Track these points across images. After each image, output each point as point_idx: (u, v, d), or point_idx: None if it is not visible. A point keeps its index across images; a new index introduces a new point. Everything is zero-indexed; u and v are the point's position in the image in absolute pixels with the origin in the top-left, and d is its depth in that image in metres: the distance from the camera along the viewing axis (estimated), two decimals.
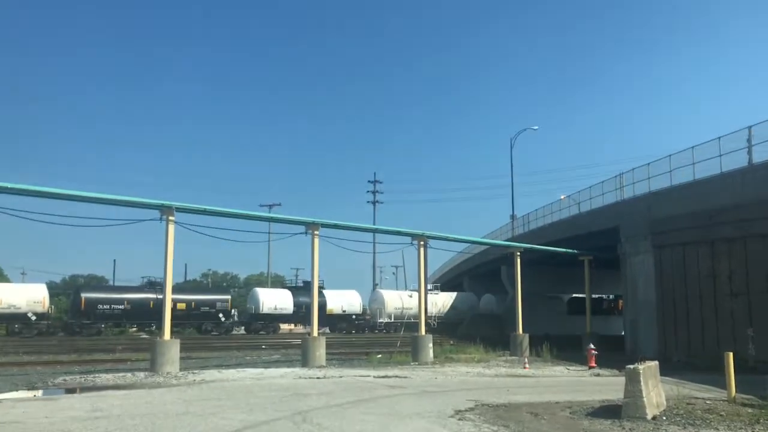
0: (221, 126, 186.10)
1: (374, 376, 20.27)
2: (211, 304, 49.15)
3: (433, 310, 54.50)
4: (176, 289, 52.84)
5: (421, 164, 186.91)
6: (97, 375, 20.15)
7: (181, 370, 21.30)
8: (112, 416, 11.58)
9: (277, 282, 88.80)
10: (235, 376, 19.94)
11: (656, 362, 14.38)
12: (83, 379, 19.21)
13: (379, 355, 29.64)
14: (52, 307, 46.30)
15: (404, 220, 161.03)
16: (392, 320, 54.16)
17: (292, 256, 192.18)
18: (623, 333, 34.58)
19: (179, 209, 22.08)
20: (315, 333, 25.60)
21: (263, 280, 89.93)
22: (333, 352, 30.25)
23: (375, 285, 68.48)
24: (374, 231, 34.07)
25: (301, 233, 25.58)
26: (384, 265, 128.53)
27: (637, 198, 31.80)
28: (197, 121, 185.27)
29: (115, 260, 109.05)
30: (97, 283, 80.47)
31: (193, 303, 48.20)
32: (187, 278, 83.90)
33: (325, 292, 55.04)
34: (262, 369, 22.89)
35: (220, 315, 49.01)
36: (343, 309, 54.35)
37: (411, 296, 54.87)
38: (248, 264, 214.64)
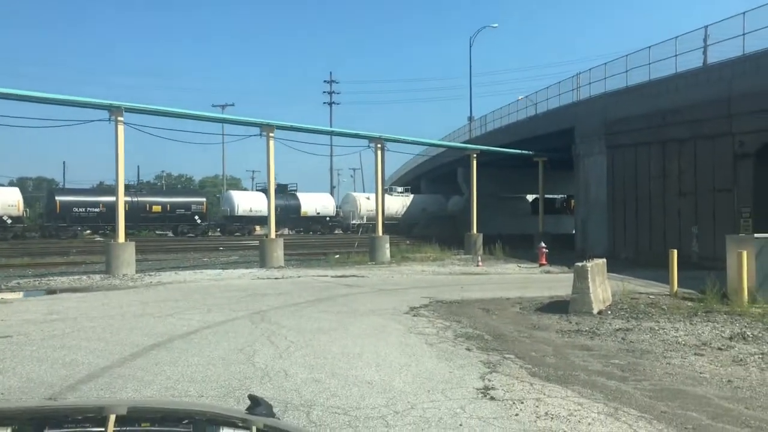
0: (168, 19, 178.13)
1: (332, 276, 20.65)
2: (187, 206, 48.86)
3: (397, 210, 55.34)
4: (151, 191, 53.07)
5: (379, 65, 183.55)
6: (51, 278, 20.03)
7: (137, 272, 21.30)
8: (68, 318, 11.60)
9: (232, 185, 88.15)
10: (193, 278, 20.06)
11: (604, 260, 14.90)
12: (38, 282, 19.09)
13: (337, 256, 30.10)
14: (27, 210, 45.49)
15: (362, 123, 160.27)
16: (365, 221, 54.81)
17: (248, 158, 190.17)
18: (574, 232, 35.60)
19: (129, 110, 21.45)
20: (272, 234, 25.73)
21: (218, 183, 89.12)
22: (292, 253, 30.61)
23: (333, 188, 68.59)
24: (331, 134, 33.73)
25: (255, 135, 25.24)
26: (342, 168, 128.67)
27: (592, 99, 31.93)
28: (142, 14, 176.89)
29: (64, 162, 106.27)
30: (71, 186, 78.79)
31: (168, 205, 47.75)
32: (140, 180, 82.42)
33: (299, 195, 55.32)
34: (220, 270, 23.05)
35: (196, 217, 48.94)
36: (317, 211, 54.77)
37: (389, 197, 56.15)
38: (203, 166, 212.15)
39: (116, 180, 21.84)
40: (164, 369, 7.57)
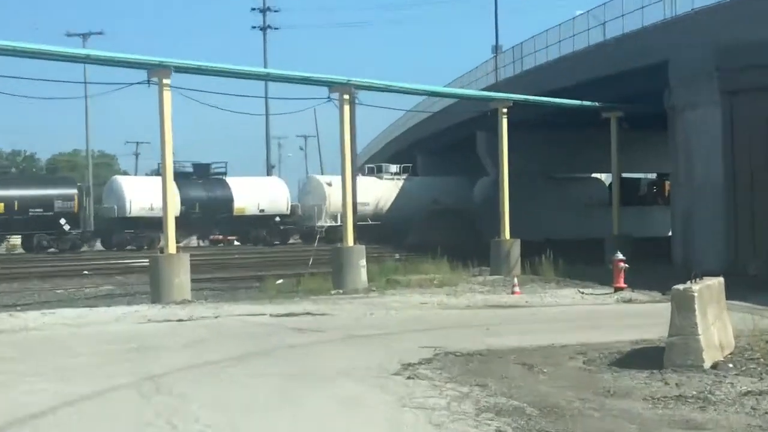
0: None
1: (272, 315, 20.49)
2: (46, 203, 47.89)
3: (384, 203, 55.59)
4: None
5: None
6: None
7: None
8: None
9: (103, 165, 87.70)
10: (40, 322, 19.76)
11: (721, 279, 14.83)
12: None
13: (281, 281, 29.93)
14: None
15: (318, 62, 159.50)
16: (339, 223, 54.51)
17: (126, 123, 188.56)
18: (670, 234, 35.72)
19: None
20: (172, 247, 25.52)
21: (80, 162, 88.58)
22: (206, 279, 30.42)
23: (270, 167, 68.45)
24: (266, 78, 33.62)
25: (141, 83, 25.00)
26: (286, 136, 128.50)
27: (698, 13, 31.87)
28: None
29: None
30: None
31: (16, 203, 47.25)
32: None
33: (230, 181, 55.79)
34: (86, 309, 22.76)
35: (62, 221, 48.06)
36: (261, 208, 54.65)
37: (378, 181, 56.84)
38: (54, 136, 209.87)
39: None
40: None
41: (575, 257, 33.11)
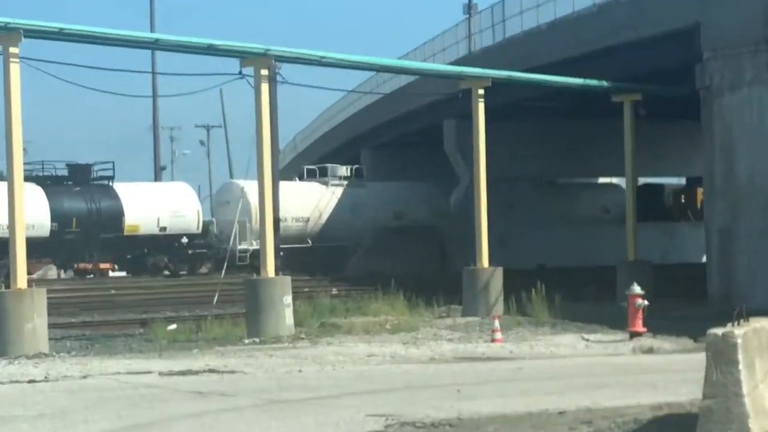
0: None
1: (161, 373, 20.32)
2: None
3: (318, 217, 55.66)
4: None
5: None
6: None
7: None
8: None
9: None
10: None
11: None
12: None
13: (173, 326, 29.71)
14: None
15: (227, 29, 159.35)
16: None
17: None
18: (705, 259, 35.91)
19: None
20: (22, 281, 25.27)
21: None
22: (70, 325, 30.17)
23: (160, 168, 68.02)
24: (153, 47, 33.26)
25: None
26: (180, 125, 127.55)
27: None
28: None
29: None
30: None
31: None
32: None
33: (119, 188, 55.46)
34: None
35: None
36: (163, 225, 54.22)
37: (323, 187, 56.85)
38: None
39: None
40: None
41: (578, 291, 33.27)
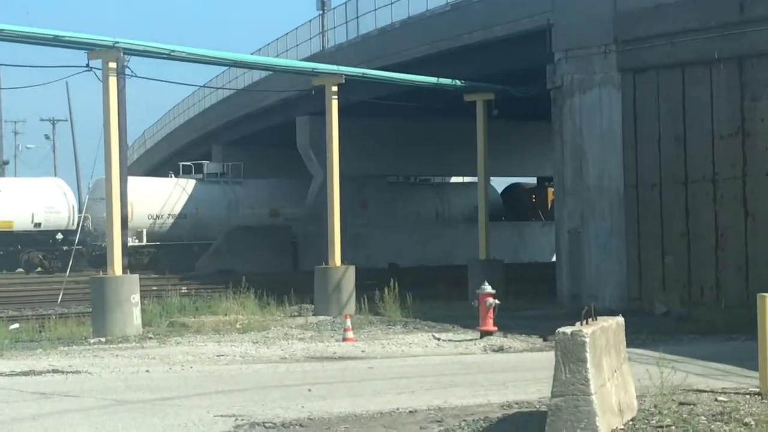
0: None
1: (2, 374, 19.94)
2: None
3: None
4: None
5: None
6: None
7: None
8: None
9: None
10: None
11: (620, 319, 14.99)
12: None
13: (15, 326, 29.22)
14: None
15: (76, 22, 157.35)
16: (148, 241, 54.03)
17: None
18: (555, 258, 36.32)
19: None
20: None
21: None
22: None
23: (3, 163, 67.02)
24: None
25: None
26: (25, 119, 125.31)
27: None
28: None
29: None
30: None
31: None
32: None
33: None
34: None
35: None
36: (37, 221, 53.64)
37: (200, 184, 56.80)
38: None
39: None
40: None
41: (431, 290, 33.41)
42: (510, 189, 59.47)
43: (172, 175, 58.41)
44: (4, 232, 52.68)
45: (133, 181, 56.12)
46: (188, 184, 57.23)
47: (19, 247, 53.75)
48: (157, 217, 54.90)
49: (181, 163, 59.78)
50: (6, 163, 66.79)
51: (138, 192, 53.44)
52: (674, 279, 29.41)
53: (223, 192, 57.35)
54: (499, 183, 61.21)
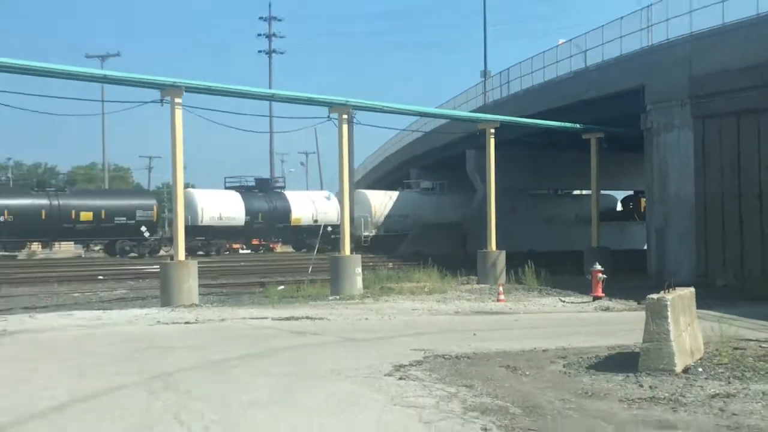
0: None
1: (273, 318, 20.44)
2: (129, 212, 49.81)
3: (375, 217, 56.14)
4: (78, 192, 54.33)
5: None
6: None
7: None
8: None
9: (118, 178, 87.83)
10: (57, 323, 19.77)
11: (692, 289, 14.81)
12: None
13: (282, 287, 29.87)
14: None
15: (318, 84, 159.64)
16: (382, 233, 55.21)
17: (139, 138, 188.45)
18: (646, 247, 35.69)
19: None
20: (181, 255, 25.50)
21: (96, 175, 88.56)
22: (212, 285, 30.39)
23: (275, 180, 68.29)
24: (270, 99, 33.44)
25: (154, 102, 24.98)
26: (288, 153, 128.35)
27: (672, 44, 31.93)
28: None
29: None
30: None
31: (103, 212, 48.96)
32: None
33: (288, 194, 57.38)
34: (99, 312, 22.73)
35: (143, 229, 49.53)
36: (316, 219, 55.13)
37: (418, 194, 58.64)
38: (72, 150, 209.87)
39: None
40: None
41: (557, 267, 33.10)
42: (611, 199, 58.84)
43: (400, 189, 59.41)
44: (295, 226, 54.57)
45: (373, 193, 57.43)
46: (407, 194, 58.29)
47: (304, 236, 55.31)
48: (388, 216, 55.80)
49: (404, 181, 60.68)
50: (280, 179, 68.00)
51: (375, 200, 54.96)
52: (730, 263, 28.77)
53: (429, 200, 57.82)
54: (619, 194, 61.43)
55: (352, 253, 29.19)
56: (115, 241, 50.05)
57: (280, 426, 9.08)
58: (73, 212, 47.35)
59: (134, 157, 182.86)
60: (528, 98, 42.66)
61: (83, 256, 54.13)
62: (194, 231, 50.83)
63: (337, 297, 26.86)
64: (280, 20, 77.15)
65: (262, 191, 56.93)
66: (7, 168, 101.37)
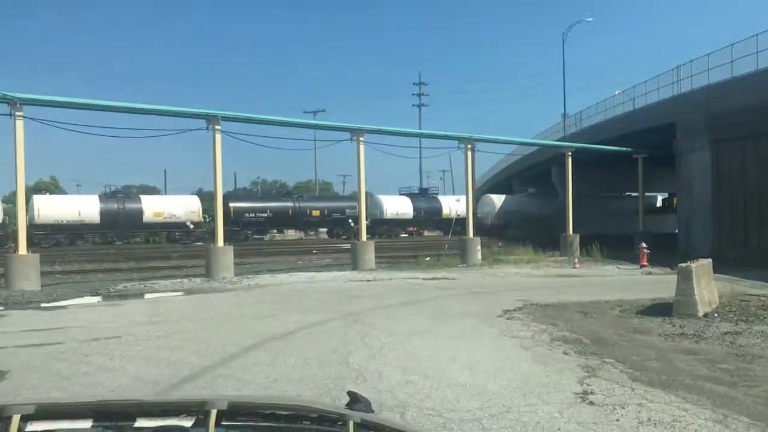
0: (259, 29, 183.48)
1: (423, 279, 20.67)
2: (341, 210, 52.25)
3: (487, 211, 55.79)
4: (310, 198, 57.94)
5: (468, 64, 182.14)
6: (155, 281, 20.96)
7: (235, 275, 22.00)
8: (171, 320, 12.17)
9: (325, 189, 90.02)
10: (288, 280, 20.58)
11: (710, 260, 14.24)
12: (143, 285, 19.98)
13: (428, 258, 30.08)
14: (206, 216, 49.45)
15: (451, 124, 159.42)
16: (502, 222, 55.83)
17: (338, 162, 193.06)
18: (677, 231, 34.26)
19: (225, 118, 22.17)
20: (363, 237, 26.01)
21: (311, 187, 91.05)
22: (382, 256, 30.88)
23: (432, 189, 68.77)
24: (420, 136, 33.85)
25: (346, 140, 25.56)
26: (430, 171, 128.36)
27: (694, 92, 30.63)
28: (237, 29, 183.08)
29: (165, 170, 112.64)
30: (243, 193, 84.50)
31: (326, 210, 51.77)
32: (237, 186, 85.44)
33: (440, 198, 58.35)
34: (314, 273, 23.52)
35: (350, 221, 52.30)
36: (458, 213, 56.23)
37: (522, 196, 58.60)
38: (295, 171, 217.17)
39: (214, 186, 22.65)
40: (262, 369, 7.82)
41: (614, 246, 32.13)
42: (652, 198, 56.77)
43: (508, 194, 59.39)
44: (444, 219, 54.43)
45: (495, 196, 57.25)
46: (513, 197, 58.20)
47: (448, 227, 56.15)
48: (500, 211, 55.64)
49: (526, 188, 60.13)
50: (427, 189, 67.96)
51: (497, 200, 55.09)
52: (738, 241, 27.27)
53: (526, 200, 57.60)
54: (659, 195, 59.25)
55: (474, 236, 29.05)
56: (333, 228, 52.37)
57: (428, 346, 9.25)
58: (308, 210, 50.09)
59: (333, 174, 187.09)
60: (594, 131, 41.57)
61: (303, 238, 55.71)
62: (381, 222, 53.64)
63: (465, 265, 26.77)
64: (426, 84, 77.93)
65: (423, 196, 57.98)
66: (257, 183, 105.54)
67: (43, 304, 15.10)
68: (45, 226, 42.52)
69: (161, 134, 22.39)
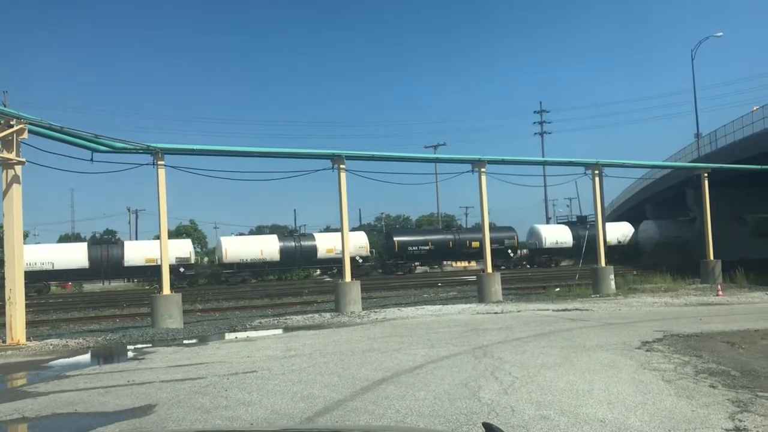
0: (376, 73, 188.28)
1: (553, 310, 20.08)
2: (500, 241, 52.70)
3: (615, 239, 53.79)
4: (468, 230, 59.21)
5: (590, 87, 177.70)
6: (288, 317, 21.70)
7: (363, 309, 22.36)
8: (304, 354, 12.49)
9: (447, 222, 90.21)
10: (415, 314, 20.61)
11: None
12: (276, 321, 20.78)
13: (557, 289, 29.22)
14: (373, 251, 51.96)
15: (575, 149, 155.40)
16: (629, 248, 54.21)
17: (460, 194, 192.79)
18: None
19: (349, 157, 22.86)
20: (489, 269, 25.69)
21: (434, 221, 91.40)
22: (509, 288, 30.27)
23: (548, 219, 67.40)
24: (543, 164, 33.17)
25: (467, 171, 25.53)
26: (556, 198, 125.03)
27: None
28: (360, 72, 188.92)
29: (295, 210, 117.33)
30: (403, 227, 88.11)
31: (479, 242, 52.90)
32: (362, 222, 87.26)
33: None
34: (440, 306, 23.45)
35: (509, 251, 52.83)
36: (618, 240, 56.05)
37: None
38: (417, 205, 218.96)
39: (341, 222, 23.21)
40: (393, 403, 7.83)
41: (762, 270, 29.89)
42: None
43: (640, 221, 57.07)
44: (549, 248, 52.78)
45: (623, 224, 55.36)
46: (646, 223, 55.92)
47: (528, 256, 55.37)
48: (622, 238, 53.69)
49: (661, 213, 57.78)
50: (550, 218, 66.95)
51: (626, 228, 53.03)
52: None
53: (660, 225, 55.23)
54: None
55: (606, 264, 27.97)
56: (493, 259, 52.48)
57: (562, 380, 8.92)
58: (468, 242, 50.90)
59: (455, 206, 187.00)
60: (731, 150, 39.34)
61: (428, 270, 55.96)
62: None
63: (597, 295, 25.85)
64: (547, 111, 76.97)
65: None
66: (381, 218, 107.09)
67: (185, 341, 15.97)
68: (232, 265, 45.72)
69: (290, 176, 23.23)
